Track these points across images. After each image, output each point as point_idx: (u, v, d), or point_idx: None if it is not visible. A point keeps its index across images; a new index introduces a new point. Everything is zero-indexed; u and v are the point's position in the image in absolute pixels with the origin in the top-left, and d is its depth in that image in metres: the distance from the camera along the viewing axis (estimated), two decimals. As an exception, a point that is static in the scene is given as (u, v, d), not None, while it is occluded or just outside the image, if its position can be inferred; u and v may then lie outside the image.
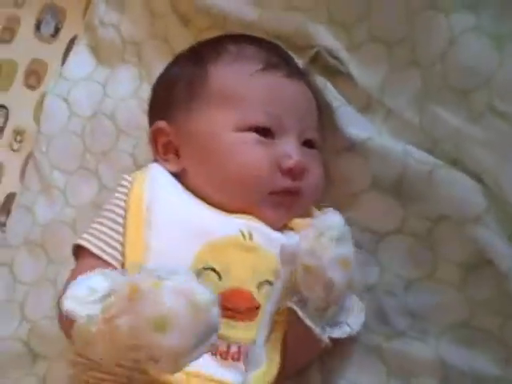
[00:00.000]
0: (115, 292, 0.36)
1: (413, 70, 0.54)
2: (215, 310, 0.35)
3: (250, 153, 0.50)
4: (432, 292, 0.52)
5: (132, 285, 0.35)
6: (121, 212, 0.49)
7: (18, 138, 0.74)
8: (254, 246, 0.48)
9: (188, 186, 0.51)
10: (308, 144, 0.53)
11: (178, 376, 0.40)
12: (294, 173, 0.50)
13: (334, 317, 0.48)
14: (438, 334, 0.51)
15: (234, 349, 0.45)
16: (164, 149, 0.54)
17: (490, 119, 0.48)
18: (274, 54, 0.55)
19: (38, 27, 0.77)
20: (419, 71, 0.53)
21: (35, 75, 0.76)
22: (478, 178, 0.49)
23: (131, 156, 0.66)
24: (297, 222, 0.50)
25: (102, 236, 0.48)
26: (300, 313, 0.46)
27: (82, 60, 0.73)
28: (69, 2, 0.77)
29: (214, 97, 0.52)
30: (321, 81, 0.57)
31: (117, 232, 0.48)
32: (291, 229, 0.50)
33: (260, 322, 0.47)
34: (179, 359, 0.35)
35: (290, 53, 0.58)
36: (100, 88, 0.70)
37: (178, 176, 0.52)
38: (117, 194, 0.51)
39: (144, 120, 0.62)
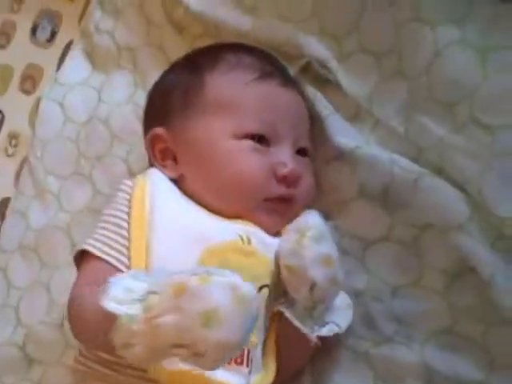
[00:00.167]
0: (156, 291, 0.36)
1: (400, 81, 0.55)
2: (256, 304, 0.37)
3: (246, 160, 0.51)
4: (417, 299, 0.53)
5: (177, 283, 0.36)
6: (124, 216, 0.49)
7: (13, 142, 0.74)
8: (252, 250, 0.49)
9: (186, 192, 0.52)
10: (301, 152, 0.54)
11: (183, 380, 0.41)
12: (288, 180, 0.51)
13: (322, 316, 0.49)
14: (422, 340, 0.52)
15: None
16: (161, 155, 0.55)
17: (473, 130, 0.49)
18: (269, 62, 0.56)
19: (33, 32, 0.78)
20: (406, 82, 0.54)
21: (31, 80, 0.76)
22: (461, 188, 0.50)
23: (125, 162, 0.66)
24: (286, 227, 0.51)
25: (107, 240, 0.48)
26: (287, 313, 0.47)
27: (77, 65, 0.73)
28: (65, 8, 0.78)
29: (211, 105, 0.53)
30: (311, 90, 0.58)
31: (122, 236, 0.48)
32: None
33: (258, 326, 0.48)
34: (225, 353, 0.36)
35: (282, 62, 0.59)
36: (95, 93, 0.71)
37: (176, 182, 0.53)
38: (118, 199, 0.51)
39: (138, 126, 0.63)
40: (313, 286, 0.46)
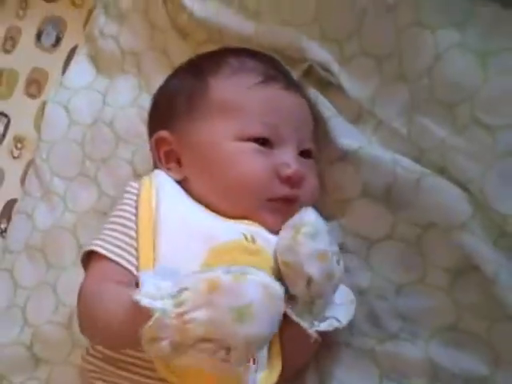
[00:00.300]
0: (188, 288, 0.38)
1: (401, 83, 0.55)
2: (283, 302, 0.39)
3: (249, 161, 0.51)
4: (422, 296, 0.53)
5: (211, 279, 0.37)
6: (131, 217, 0.50)
7: (19, 145, 0.75)
8: (257, 248, 0.49)
9: (190, 193, 0.53)
10: (305, 154, 0.55)
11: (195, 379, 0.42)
12: (292, 181, 0.52)
13: (323, 311, 0.50)
14: (427, 337, 0.52)
15: None
16: (166, 157, 0.55)
17: (474, 131, 0.50)
18: (272, 66, 0.57)
19: (38, 38, 0.79)
20: (407, 85, 0.55)
21: (36, 84, 0.77)
22: (464, 187, 0.51)
23: (130, 163, 0.67)
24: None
25: (115, 241, 0.49)
26: (286, 309, 0.47)
27: (82, 69, 0.74)
28: (69, 14, 0.79)
29: (215, 108, 0.53)
30: (313, 93, 0.59)
31: (129, 237, 0.49)
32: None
33: None
34: (253, 348, 0.38)
35: (285, 66, 0.60)
36: (100, 97, 0.71)
37: (180, 183, 0.54)
38: (125, 200, 0.52)
39: (143, 128, 0.63)
40: (309, 282, 0.47)
